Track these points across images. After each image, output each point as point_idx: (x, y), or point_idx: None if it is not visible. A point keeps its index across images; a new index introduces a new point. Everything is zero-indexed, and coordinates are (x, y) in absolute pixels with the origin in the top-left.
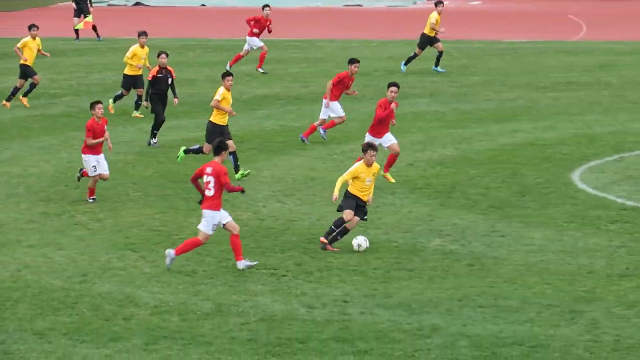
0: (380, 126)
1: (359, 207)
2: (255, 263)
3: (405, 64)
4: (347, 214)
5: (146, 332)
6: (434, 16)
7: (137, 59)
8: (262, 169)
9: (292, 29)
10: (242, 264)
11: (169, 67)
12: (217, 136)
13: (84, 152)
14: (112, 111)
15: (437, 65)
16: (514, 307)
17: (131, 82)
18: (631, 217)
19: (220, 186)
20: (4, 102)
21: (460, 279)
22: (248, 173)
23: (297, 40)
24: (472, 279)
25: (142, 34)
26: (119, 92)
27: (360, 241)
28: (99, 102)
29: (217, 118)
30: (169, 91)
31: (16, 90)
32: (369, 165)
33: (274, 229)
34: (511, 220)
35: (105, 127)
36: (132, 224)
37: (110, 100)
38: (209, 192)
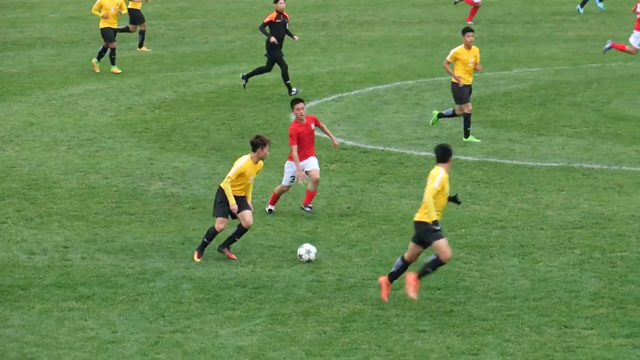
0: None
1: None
2: None
3: None
4: (221, 222)
5: None
6: None
7: (105, 9)
8: None
9: None
10: None
11: (285, 13)
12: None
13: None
14: (118, 70)
15: None
16: (237, 250)
17: (111, 32)
18: (351, 156)
19: None
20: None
21: (182, 222)
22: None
23: None
24: (193, 222)
25: None
26: (100, 48)
27: (308, 248)
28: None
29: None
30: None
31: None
32: (257, 161)
33: None
34: (231, 162)
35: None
36: None
37: (94, 60)
38: None
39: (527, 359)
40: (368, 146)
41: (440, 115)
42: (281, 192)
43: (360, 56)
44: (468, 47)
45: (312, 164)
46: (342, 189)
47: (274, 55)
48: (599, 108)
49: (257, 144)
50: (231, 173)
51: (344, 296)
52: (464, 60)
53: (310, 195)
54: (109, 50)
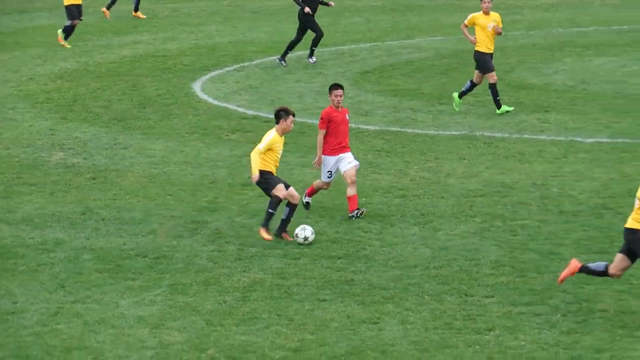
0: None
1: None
2: None
3: None
4: (280, 189)
5: None
6: None
7: None
8: None
9: None
10: None
11: None
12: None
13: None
14: (68, 45)
15: None
16: (137, 219)
17: (75, 10)
18: (252, 125)
19: None
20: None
21: (82, 192)
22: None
23: None
24: (94, 192)
25: None
26: (68, 24)
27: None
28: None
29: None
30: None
31: None
32: (281, 134)
33: None
34: (133, 133)
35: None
36: None
37: (60, 31)
38: None
39: (427, 327)
40: (270, 115)
41: (461, 95)
42: (319, 188)
43: (262, 25)
44: (486, 13)
45: (347, 161)
46: (244, 158)
47: (310, 24)
48: (501, 77)
49: (281, 115)
50: (261, 145)
51: (244, 266)
52: (482, 25)
53: (353, 201)
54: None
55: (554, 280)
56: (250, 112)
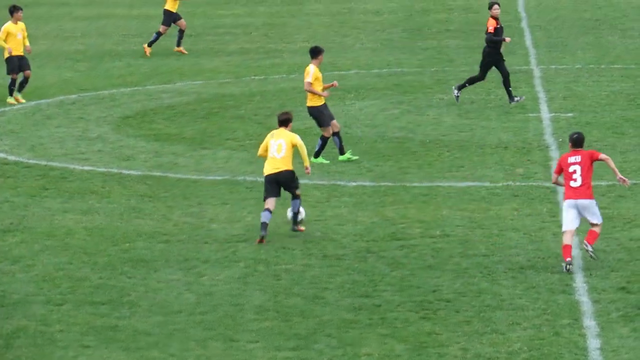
0: None
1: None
2: None
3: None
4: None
5: None
6: None
7: (11, 36)
8: None
9: None
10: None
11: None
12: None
13: None
14: (23, 101)
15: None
16: None
17: (16, 63)
18: (13, 171)
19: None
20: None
21: None
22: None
23: None
24: None
25: (17, 8)
26: (9, 81)
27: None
28: None
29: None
30: None
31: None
32: None
33: None
34: None
35: None
36: None
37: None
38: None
39: None
40: (31, 161)
41: (341, 151)
42: None
43: None
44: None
45: None
46: (5, 204)
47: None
48: (262, 121)
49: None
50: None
51: (7, 312)
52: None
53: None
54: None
55: (319, 325)
56: (11, 158)
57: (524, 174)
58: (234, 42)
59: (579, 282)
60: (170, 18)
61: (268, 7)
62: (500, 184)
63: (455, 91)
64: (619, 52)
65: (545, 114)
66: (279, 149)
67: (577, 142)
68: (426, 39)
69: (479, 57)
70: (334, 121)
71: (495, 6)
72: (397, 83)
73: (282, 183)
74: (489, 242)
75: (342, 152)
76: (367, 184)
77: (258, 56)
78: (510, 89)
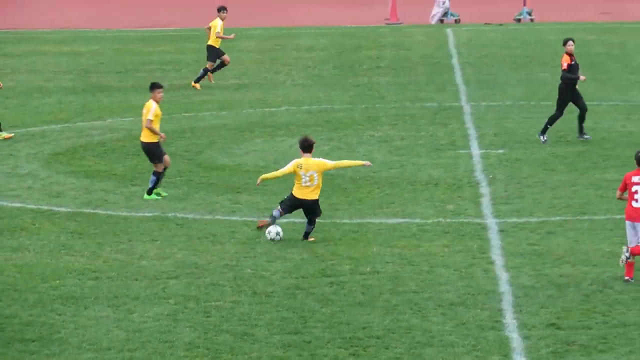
0: None
1: None
2: None
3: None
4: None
5: None
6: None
7: None
8: None
9: None
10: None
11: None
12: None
13: None
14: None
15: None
16: None
17: None
18: None
19: None
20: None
21: None
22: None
23: None
24: None
25: None
26: None
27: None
28: None
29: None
30: None
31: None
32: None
33: None
34: None
35: None
36: None
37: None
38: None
39: None
40: None
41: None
42: None
43: None
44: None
45: None
46: None
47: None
48: (192, 157)
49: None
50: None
51: None
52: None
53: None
54: None
55: None
56: None
57: (455, 210)
58: (164, 79)
59: (509, 318)
60: (214, 54)
61: (198, 43)
62: (431, 221)
63: (542, 137)
64: (550, 88)
65: (475, 150)
66: (312, 179)
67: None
68: (357, 76)
69: (409, 94)
70: (166, 156)
71: (570, 42)
72: (327, 119)
73: (306, 209)
74: (419, 279)
75: (150, 193)
76: (297, 220)
77: (188, 93)
78: (583, 124)
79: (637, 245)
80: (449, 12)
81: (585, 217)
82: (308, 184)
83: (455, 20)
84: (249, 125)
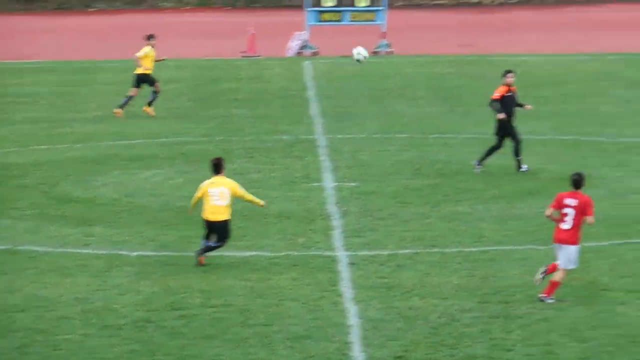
0: None
1: None
2: None
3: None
4: None
5: None
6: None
7: None
8: None
9: None
10: None
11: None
12: None
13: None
14: None
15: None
16: None
17: None
18: None
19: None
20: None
21: None
22: None
23: None
24: None
25: None
26: None
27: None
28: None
29: None
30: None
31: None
32: None
33: None
34: None
35: None
36: None
37: None
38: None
39: None
40: None
41: None
42: None
43: None
44: None
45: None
46: None
47: (508, 131)
48: (47, 190)
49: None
50: None
51: None
52: None
53: None
54: None
55: None
56: None
57: (305, 243)
58: (20, 111)
59: (357, 351)
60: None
61: (58, 76)
62: (281, 254)
63: (524, 167)
64: (406, 121)
65: (328, 183)
66: (222, 195)
67: (575, 183)
68: (214, 108)
69: (266, 127)
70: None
71: (510, 74)
72: (182, 152)
73: (218, 231)
74: (268, 312)
75: None
76: (149, 253)
77: (45, 124)
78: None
79: (554, 264)
80: (308, 44)
81: (436, 250)
82: (218, 202)
83: (314, 53)
84: (105, 157)
